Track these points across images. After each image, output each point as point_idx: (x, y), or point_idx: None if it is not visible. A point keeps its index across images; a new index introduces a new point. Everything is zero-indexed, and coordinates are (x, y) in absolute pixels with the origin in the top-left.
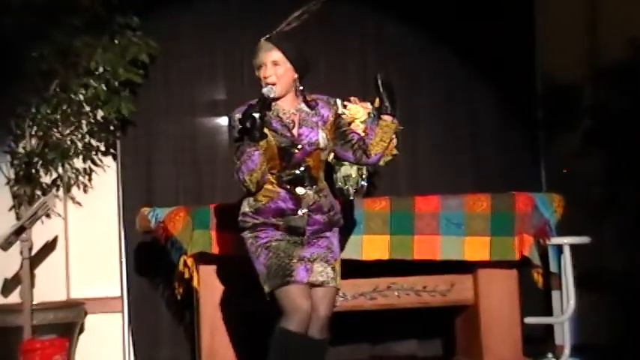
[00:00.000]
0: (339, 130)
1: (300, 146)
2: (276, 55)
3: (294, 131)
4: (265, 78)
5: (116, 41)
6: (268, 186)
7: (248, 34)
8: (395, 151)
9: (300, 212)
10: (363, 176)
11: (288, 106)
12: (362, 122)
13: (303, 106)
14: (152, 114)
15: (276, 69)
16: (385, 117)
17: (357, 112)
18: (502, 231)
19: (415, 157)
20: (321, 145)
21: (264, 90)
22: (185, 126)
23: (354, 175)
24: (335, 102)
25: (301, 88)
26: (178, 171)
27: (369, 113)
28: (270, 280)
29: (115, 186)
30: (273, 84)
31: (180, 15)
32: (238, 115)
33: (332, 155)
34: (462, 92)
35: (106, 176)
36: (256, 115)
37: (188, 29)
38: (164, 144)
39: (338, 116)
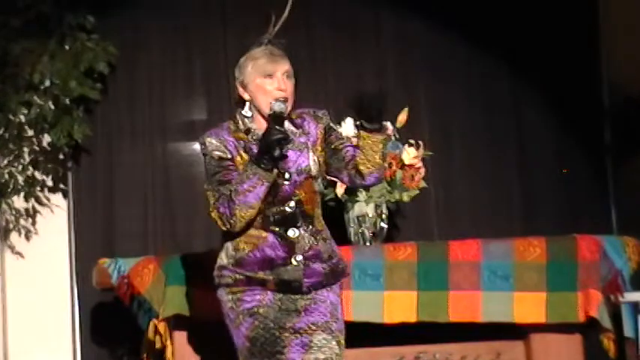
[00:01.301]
0: (330, 146)
1: (288, 176)
2: (287, 65)
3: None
4: (280, 91)
5: (66, 47)
6: (251, 230)
7: (234, 36)
8: (422, 184)
9: (293, 261)
10: (383, 216)
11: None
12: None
13: (289, 125)
14: (113, 139)
15: (287, 82)
16: (363, 133)
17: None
18: (562, 285)
19: (449, 190)
20: (313, 171)
21: (276, 106)
22: (155, 154)
23: (370, 215)
24: (324, 113)
25: None
26: (147, 211)
27: (388, 135)
28: (254, 359)
29: (65, 231)
30: (286, 99)
31: (148, 13)
32: (213, 141)
33: (342, 190)
34: (508, 111)
35: (55, 218)
36: (279, 136)
37: (157, 31)
38: (128, 177)
39: (328, 129)
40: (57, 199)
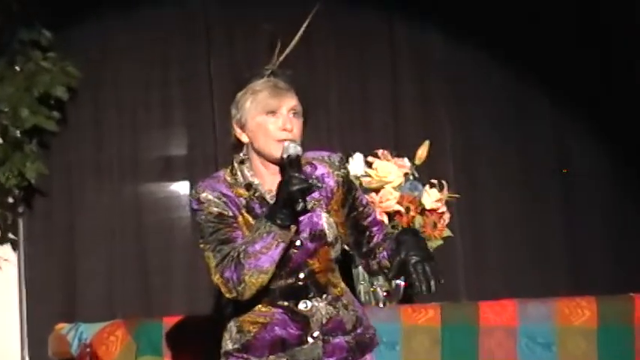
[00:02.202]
0: (350, 213)
1: (298, 242)
2: (294, 101)
3: None
4: (285, 131)
5: (17, 67)
6: (256, 306)
7: (221, 54)
8: (446, 232)
9: (310, 338)
10: None
11: (275, 180)
12: (395, 189)
13: None
14: (73, 178)
15: (294, 121)
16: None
17: (387, 172)
18: (616, 355)
19: (478, 240)
20: (329, 236)
21: (291, 148)
22: (125, 196)
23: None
24: (340, 161)
25: None
26: (114, 265)
27: (405, 174)
28: None
29: (15, 289)
30: (293, 141)
31: (117, 26)
32: (209, 196)
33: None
34: (548, 145)
35: (1, 275)
36: (301, 186)
37: (127, 47)
38: (92, 224)
39: (347, 185)
40: (4, 251)
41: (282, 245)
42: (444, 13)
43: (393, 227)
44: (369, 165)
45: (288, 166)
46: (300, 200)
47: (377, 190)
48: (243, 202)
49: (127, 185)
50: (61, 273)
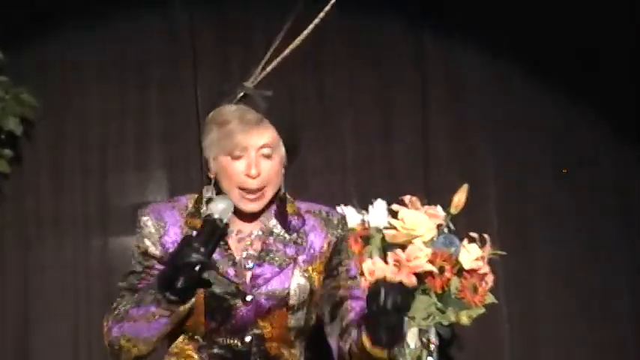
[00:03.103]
0: (329, 282)
1: (249, 298)
2: (266, 138)
3: (245, 271)
4: (249, 178)
5: None
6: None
7: (208, 79)
8: (490, 298)
9: None
10: (431, 347)
11: (247, 222)
12: (427, 244)
13: (275, 223)
14: (29, 230)
15: (265, 164)
16: (366, 341)
17: (416, 224)
18: None
19: (530, 308)
20: (292, 299)
21: (218, 209)
22: (92, 252)
23: (412, 346)
24: (341, 221)
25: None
26: (78, 338)
27: (438, 226)
28: None
29: None
30: (258, 195)
31: (83, 41)
32: (149, 223)
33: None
34: (611, 183)
35: None
36: (194, 259)
37: (95, 68)
38: (51, 286)
39: (338, 248)
40: None
41: (165, 320)
42: (485, 32)
43: (423, 292)
44: (394, 215)
45: (205, 228)
46: (182, 277)
47: (403, 246)
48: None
49: (93, 238)
50: (14, 343)
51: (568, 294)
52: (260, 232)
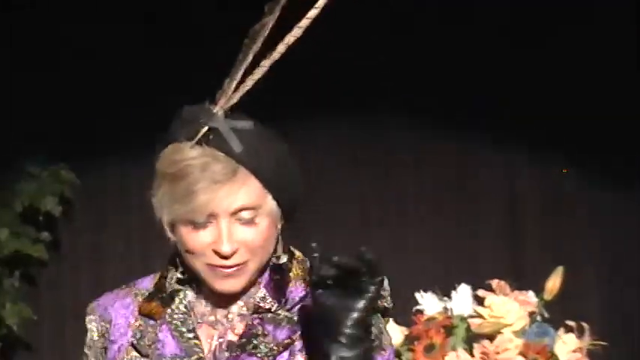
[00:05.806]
0: None
1: None
2: (247, 196)
3: None
4: (223, 260)
5: None
6: None
7: None
8: None
9: None
10: None
11: (226, 298)
12: (517, 334)
13: (264, 296)
14: (70, 325)
15: (244, 232)
16: None
17: (505, 311)
18: None
19: None
20: None
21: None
22: None
23: None
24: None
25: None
26: None
27: (531, 314)
28: None
29: None
30: (236, 270)
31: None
32: (92, 324)
33: None
34: None
35: None
36: None
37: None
38: None
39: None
40: None
41: None
42: None
43: None
44: (480, 302)
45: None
46: None
47: (491, 337)
48: (148, 323)
49: None
50: None
51: None
52: (243, 310)
